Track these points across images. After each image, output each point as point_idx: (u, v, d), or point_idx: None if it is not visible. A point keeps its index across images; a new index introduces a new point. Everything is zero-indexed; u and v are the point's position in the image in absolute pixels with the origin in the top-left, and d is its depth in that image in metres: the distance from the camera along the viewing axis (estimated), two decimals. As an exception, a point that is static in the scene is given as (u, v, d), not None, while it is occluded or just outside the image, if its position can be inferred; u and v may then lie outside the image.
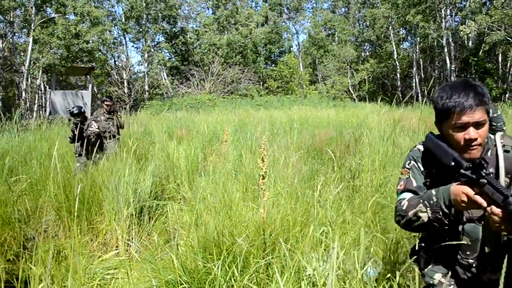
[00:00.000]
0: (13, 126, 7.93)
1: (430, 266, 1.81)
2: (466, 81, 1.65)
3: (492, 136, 1.72)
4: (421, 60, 32.90)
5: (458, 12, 27.91)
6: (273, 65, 40.04)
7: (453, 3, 26.79)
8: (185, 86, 30.87)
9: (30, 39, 20.16)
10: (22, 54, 23.85)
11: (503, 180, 1.64)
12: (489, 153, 1.70)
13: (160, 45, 33.45)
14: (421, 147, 1.84)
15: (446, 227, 1.58)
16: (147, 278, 3.00)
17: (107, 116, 7.41)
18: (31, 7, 20.54)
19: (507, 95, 24.72)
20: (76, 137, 6.41)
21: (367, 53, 41.05)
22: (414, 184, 1.76)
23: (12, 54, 23.65)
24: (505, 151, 1.68)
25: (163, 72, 34.40)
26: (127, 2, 30.72)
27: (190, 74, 30.72)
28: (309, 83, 36.89)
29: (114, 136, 7.37)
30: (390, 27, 33.26)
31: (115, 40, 31.79)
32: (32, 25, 20.30)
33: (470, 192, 1.43)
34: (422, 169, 1.79)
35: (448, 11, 27.31)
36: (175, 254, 2.82)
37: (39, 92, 25.42)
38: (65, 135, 8.23)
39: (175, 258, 2.74)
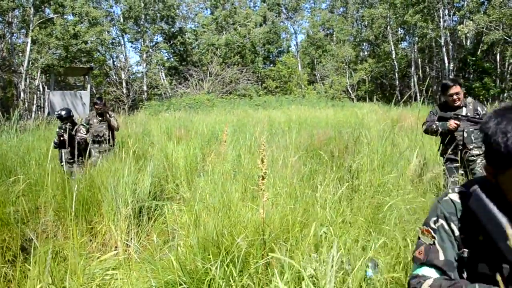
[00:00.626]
0: (11, 126, 7.92)
1: None
2: None
3: None
4: (419, 59, 32.92)
5: (456, 12, 27.96)
6: (271, 65, 40.03)
7: (451, 2, 26.84)
8: (183, 86, 30.84)
9: (29, 40, 20.14)
10: (21, 54, 23.82)
11: None
12: None
13: (158, 45, 33.40)
14: (456, 199, 1.24)
15: None
16: (146, 279, 2.99)
17: (100, 118, 6.98)
18: (30, 8, 20.52)
19: (505, 95, 24.76)
20: (66, 142, 5.84)
21: (366, 53, 41.06)
22: (441, 257, 1.20)
23: (10, 54, 23.58)
24: None
25: (161, 72, 34.36)
26: (126, 2, 30.66)
27: (189, 74, 30.69)
28: (308, 83, 36.88)
29: (108, 141, 6.91)
30: (388, 27, 33.29)
31: (114, 41, 31.72)
32: (31, 25, 20.28)
33: None
34: (456, 233, 1.21)
35: (446, 11, 27.35)
36: (174, 255, 2.82)
37: (38, 92, 25.36)
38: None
39: (174, 259, 2.74)
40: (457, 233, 1.21)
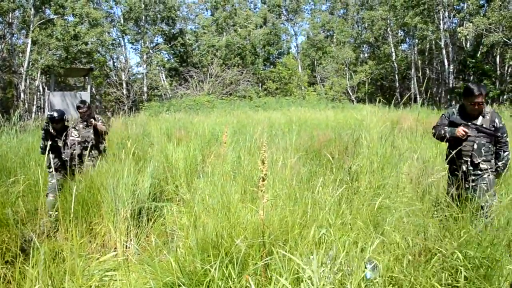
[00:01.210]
0: (11, 127, 7.91)
1: None
2: None
3: None
4: (419, 61, 32.95)
5: (456, 14, 28.00)
6: (271, 67, 40.05)
7: (451, 5, 26.85)
8: (183, 87, 30.85)
9: (29, 40, 20.15)
10: (21, 55, 23.84)
11: None
12: None
13: (158, 47, 33.44)
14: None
15: None
16: (145, 280, 2.99)
17: (85, 123, 6.33)
18: (30, 8, 20.53)
19: (505, 97, 24.78)
20: (62, 147, 5.32)
21: (366, 55, 41.13)
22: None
23: (11, 55, 23.62)
24: None
25: (161, 73, 34.39)
26: (126, 3, 30.70)
27: (189, 75, 30.72)
28: (308, 84, 36.91)
29: (97, 147, 6.30)
30: (389, 29, 33.34)
31: (114, 42, 31.71)
32: (31, 26, 20.30)
33: None
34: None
35: (446, 13, 27.37)
36: (174, 256, 2.82)
37: (38, 93, 25.40)
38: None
39: (173, 260, 2.74)
40: None
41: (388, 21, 32.66)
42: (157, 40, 34.63)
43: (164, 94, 32.49)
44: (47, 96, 21.02)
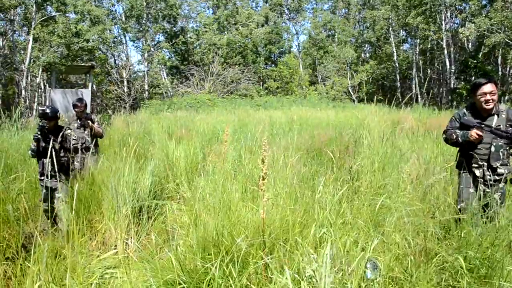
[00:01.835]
0: (13, 124, 7.92)
1: None
2: None
3: None
4: (420, 61, 32.90)
5: (458, 15, 27.95)
6: (273, 66, 40.04)
7: (453, 5, 26.82)
8: (185, 85, 30.87)
9: (31, 37, 20.15)
10: (22, 52, 23.86)
11: None
12: None
13: (160, 45, 33.45)
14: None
15: None
16: (145, 278, 3.00)
17: (80, 123, 6.05)
18: (32, 5, 20.53)
19: (506, 97, 24.74)
20: (58, 150, 4.55)
21: (367, 55, 41.10)
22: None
23: (12, 52, 23.63)
24: None
25: (163, 71, 34.39)
26: (128, 1, 30.70)
27: (190, 73, 30.73)
28: (309, 83, 36.89)
29: (89, 149, 5.85)
30: (390, 28, 33.29)
31: (115, 39, 31.71)
32: (33, 23, 20.29)
33: None
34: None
35: (448, 13, 27.34)
36: (174, 254, 2.82)
37: (39, 90, 25.40)
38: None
39: (174, 258, 2.74)
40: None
41: (390, 20, 32.61)
42: (158, 38, 34.70)
43: (165, 92, 32.49)
44: (48, 93, 21.00)
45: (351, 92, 35.12)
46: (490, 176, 3.61)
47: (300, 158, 5.32)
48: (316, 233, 2.83)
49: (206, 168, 5.97)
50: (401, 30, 35.10)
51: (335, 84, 34.27)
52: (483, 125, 3.63)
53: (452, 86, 27.44)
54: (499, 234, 2.85)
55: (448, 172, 4.67)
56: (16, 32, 24.24)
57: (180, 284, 2.68)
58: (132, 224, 4.28)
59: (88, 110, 8.61)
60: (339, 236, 2.88)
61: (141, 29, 32.28)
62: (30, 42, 20.15)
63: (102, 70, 31.28)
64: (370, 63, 35.35)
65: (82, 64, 23.60)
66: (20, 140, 7.29)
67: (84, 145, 5.94)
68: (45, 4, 21.72)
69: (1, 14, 21.51)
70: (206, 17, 37.94)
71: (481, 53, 26.81)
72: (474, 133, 3.58)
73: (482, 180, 3.65)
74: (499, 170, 3.59)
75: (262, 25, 38.34)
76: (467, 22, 25.01)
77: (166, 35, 34.63)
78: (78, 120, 6.10)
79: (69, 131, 5.01)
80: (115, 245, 4.11)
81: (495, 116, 3.67)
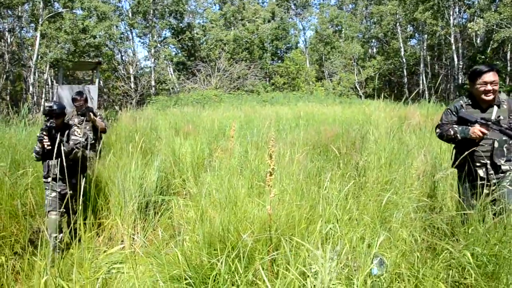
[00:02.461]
0: (20, 120, 7.97)
1: None
2: None
3: None
4: (428, 57, 32.64)
5: (467, 10, 27.67)
6: (279, 61, 39.97)
7: (462, 0, 26.57)
8: (191, 81, 30.91)
9: (38, 34, 20.23)
10: (30, 48, 23.98)
11: None
12: None
13: (166, 41, 33.46)
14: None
15: None
16: (152, 273, 3.01)
17: (81, 118, 5.79)
18: (39, 2, 20.60)
19: (515, 93, 24.51)
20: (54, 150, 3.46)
21: (374, 50, 40.84)
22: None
23: (20, 48, 23.77)
24: None
25: (169, 67, 34.43)
26: (134, -3, 30.76)
27: (197, 69, 30.77)
28: (316, 79, 36.78)
29: (93, 146, 5.57)
30: (398, 24, 33.05)
31: (122, 35, 31.76)
32: (40, 19, 20.37)
33: None
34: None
35: (457, 8, 27.08)
36: (180, 249, 2.83)
37: (46, 86, 25.56)
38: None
39: (180, 254, 2.74)
40: None
41: (397, 16, 32.37)
42: (165, 34, 34.71)
43: (172, 88, 32.55)
44: (56, 89, 21.10)
45: (358, 88, 34.97)
46: (493, 174, 3.33)
47: (306, 154, 5.31)
48: (322, 229, 2.82)
49: (212, 164, 5.98)
50: (409, 26, 34.81)
51: (342, 80, 34.14)
52: (489, 122, 3.27)
53: (460, 81, 27.22)
54: (507, 231, 2.82)
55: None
56: (24, 29, 24.40)
57: (186, 279, 2.69)
58: (138, 219, 4.30)
59: (95, 106, 8.51)
60: (345, 232, 2.87)
61: (147, 25, 32.31)
62: (38, 39, 20.24)
63: (109, 66, 31.39)
64: (377, 59, 35.13)
65: (89, 60, 23.68)
66: (28, 136, 7.32)
67: (86, 141, 5.36)
68: (52, 1, 21.79)
69: (9, 11, 21.63)
70: (212, 13, 37.95)
71: (489, 48, 26.53)
72: (477, 130, 3.25)
73: (485, 182, 3.34)
74: (503, 167, 3.29)
75: (269, 21, 38.25)
76: (475, 17, 24.74)
77: (172, 31, 34.63)
78: (79, 115, 5.84)
79: (75, 127, 4.46)
80: (122, 241, 4.13)
81: (496, 108, 3.35)
